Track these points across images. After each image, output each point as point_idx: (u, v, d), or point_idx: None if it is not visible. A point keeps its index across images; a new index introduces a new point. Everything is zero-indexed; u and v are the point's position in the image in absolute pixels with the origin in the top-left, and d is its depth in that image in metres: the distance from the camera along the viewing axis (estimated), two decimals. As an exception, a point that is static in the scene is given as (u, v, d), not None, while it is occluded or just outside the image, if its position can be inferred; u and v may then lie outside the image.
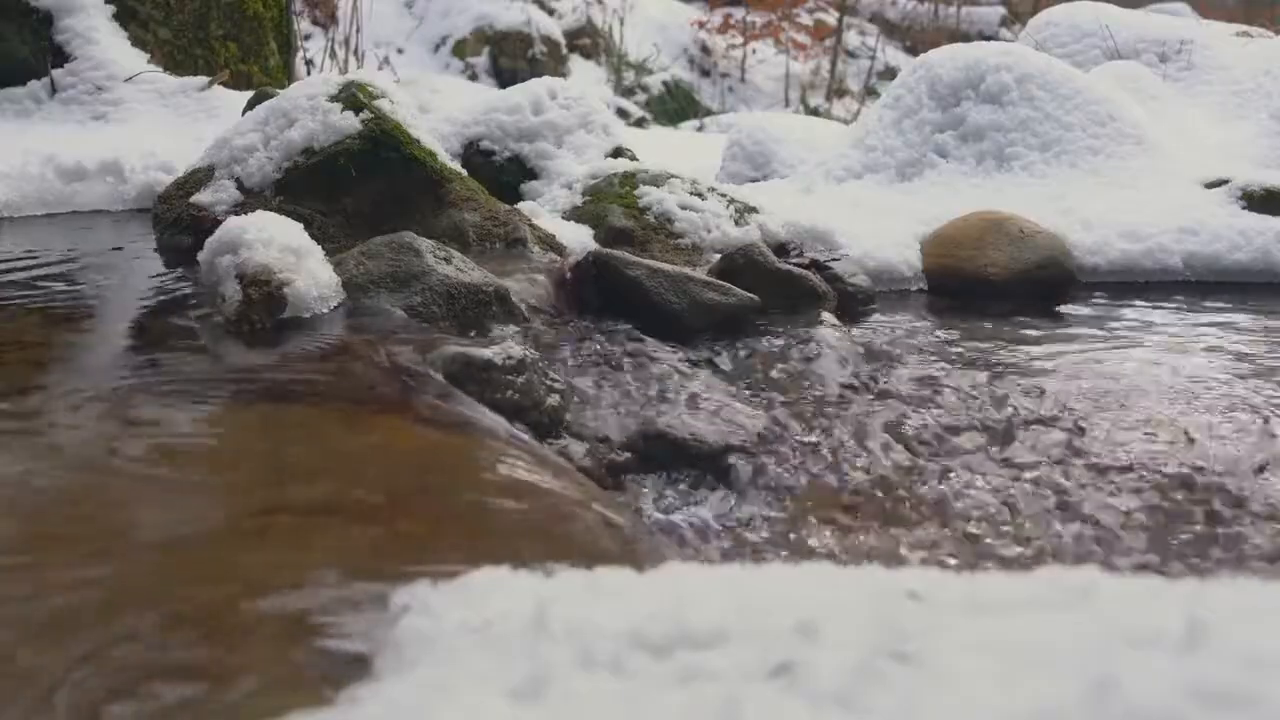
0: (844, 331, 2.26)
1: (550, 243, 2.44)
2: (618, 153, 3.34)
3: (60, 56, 3.76)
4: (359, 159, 2.37)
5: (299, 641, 0.82)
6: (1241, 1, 11.59)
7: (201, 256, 1.88)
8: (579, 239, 2.54)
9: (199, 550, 1.00)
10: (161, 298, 2.04)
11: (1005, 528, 1.47)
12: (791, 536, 1.43)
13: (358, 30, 7.46)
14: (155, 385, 1.51)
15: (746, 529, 1.45)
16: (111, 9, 3.92)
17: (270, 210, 2.09)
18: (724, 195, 2.92)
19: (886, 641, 0.62)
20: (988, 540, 1.43)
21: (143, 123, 3.61)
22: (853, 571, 0.79)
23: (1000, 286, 2.85)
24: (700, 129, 9.26)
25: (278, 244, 1.80)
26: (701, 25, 12.39)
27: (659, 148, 4.27)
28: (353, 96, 2.45)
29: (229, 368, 1.59)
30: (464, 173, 2.62)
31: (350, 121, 2.40)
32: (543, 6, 11.23)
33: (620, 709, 0.58)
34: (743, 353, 2.06)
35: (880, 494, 1.56)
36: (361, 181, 2.38)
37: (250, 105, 2.94)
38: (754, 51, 12.41)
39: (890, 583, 0.73)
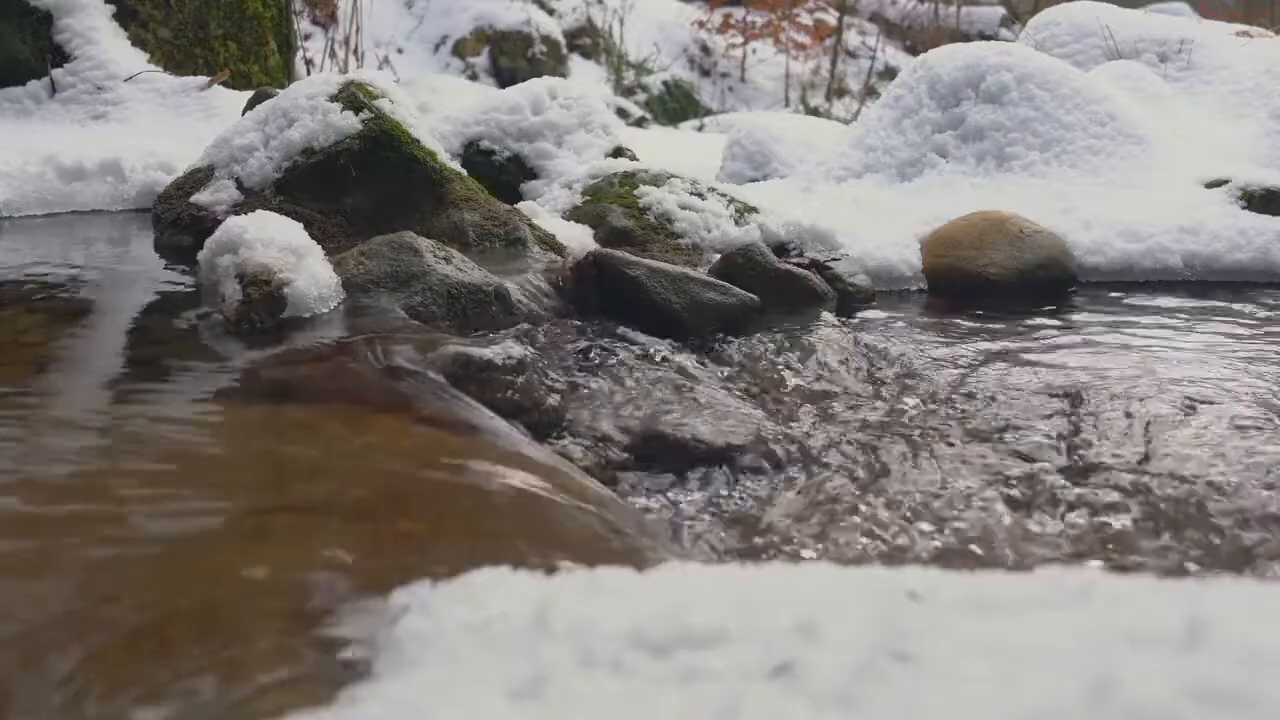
0: (844, 331, 2.26)
1: (550, 242, 2.44)
2: (618, 152, 3.34)
3: (60, 56, 3.76)
4: (359, 159, 2.37)
5: (299, 641, 0.82)
6: (1241, 1, 11.59)
7: (201, 256, 1.88)
8: (579, 239, 2.54)
9: (198, 550, 1.00)
10: (161, 298, 2.04)
11: (1004, 526, 1.47)
12: (792, 536, 1.42)
13: (358, 30, 7.46)
14: (155, 385, 1.51)
15: (747, 528, 1.45)
16: (111, 9, 3.92)
17: (270, 210, 2.09)
18: (724, 195, 2.92)
19: (886, 641, 0.62)
20: (986, 538, 1.43)
21: (143, 122, 3.61)
22: (853, 571, 0.79)
23: (1000, 286, 2.85)
24: (700, 129, 9.25)
25: (278, 244, 1.80)
26: (701, 25, 12.38)
27: (659, 148, 4.27)
28: (353, 96, 2.45)
29: (229, 367, 1.59)
30: (464, 173, 2.62)
31: (350, 121, 2.40)
32: (543, 6, 11.22)
33: (620, 709, 0.58)
34: (743, 352, 2.06)
35: (881, 493, 1.56)
36: (361, 181, 2.38)
37: (250, 105, 2.94)
38: (754, 51, 12.41)
39: (890, 583, 0.73)
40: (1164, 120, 4.01)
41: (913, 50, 12.07)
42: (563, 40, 10.97)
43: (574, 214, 2.81)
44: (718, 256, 2.53)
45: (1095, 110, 3.66)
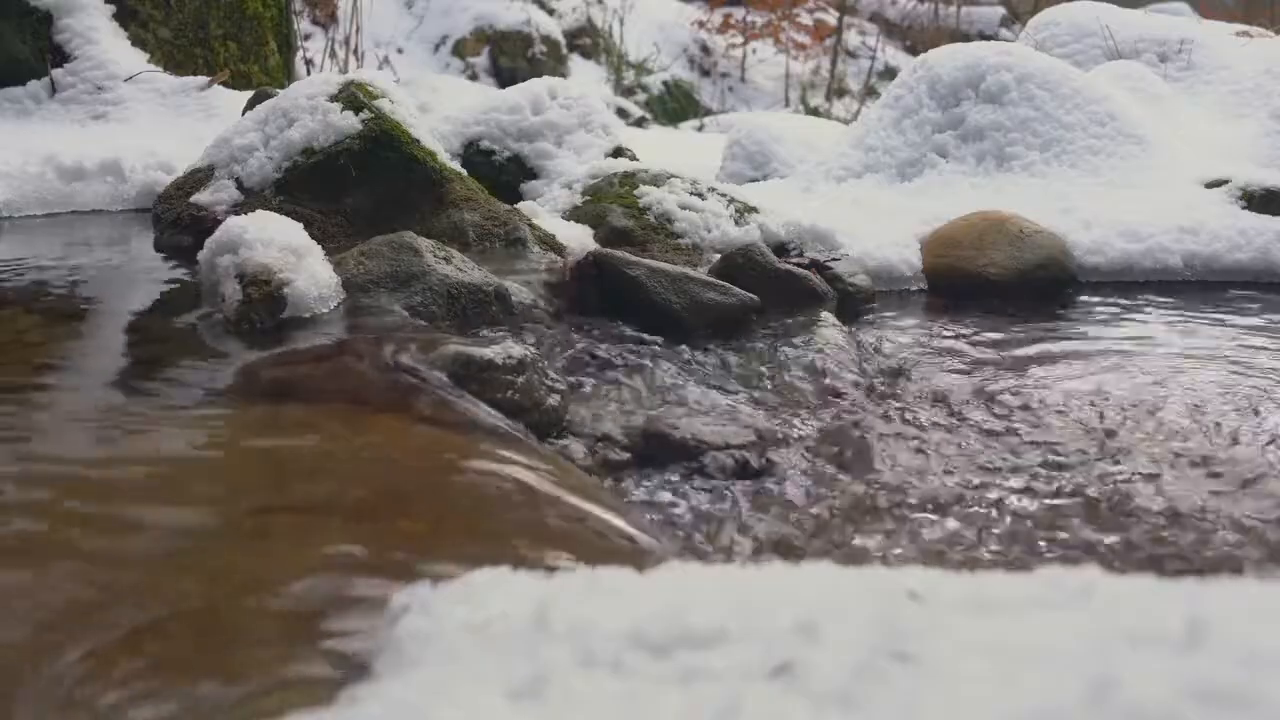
0: (844, 331, 2.26)
1: (550, 242, 2.44)
2: (618, 152, 3.34)
3: (60, 56, 3.76)
4: (359, 159, 2.38)
5: (299, 641, 0.82)
6: (1241, 1, 11.58)
7: (201, 256, 1.88)
8: (579, 239, 2.54)
9: (199, 549, 1.00)
10: (162, 298, 2.04)
11: (1001, 527, 1.47)
12: (792, 536, 1.43)
13: (358, 30, 7.46)
14: (156, 384, 1.51)
15: (747, 528, 1.45)
16: (111, 9, 3.92)
17: (270, 210, 2.09)
18: (724, 195, 2.92)
19: (886, 641, 0.62)
20: (984, 539, 1.43)
21: (143, 122, 3.61)
22: (853, 571, 0.79)
23: (1000, 286, 2.85)
24: (700, 129, 9.25)
25: (278, 244, 1.80)
26: (701, 25, 12.38)
27: (659, 148, 4.27)
28: (353, 96, 2.45)
29: (229, 367, 1.59)
30: (464, 173, 2.63)
31: (350, 121, 2.40)
32: (543, 6, 11.22)
33: (620, 709, 0.58)
34: (743, 353, 2.06)
35: (880, 493, 1.56)
36: (361, 181, 2.38)
37: (250, 105, 2.94)
38: (754, 51, 12.41)
39: (890, 583, 0.73)
40: (1164, 120, 4.01)
41: (913, 50, 12.06)
42: (563, 40, 10.97)
43: (574, 214, 2.81)
44: (718, 256, 2.53)
45: (1095, 110, 3.65)
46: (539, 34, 10.51)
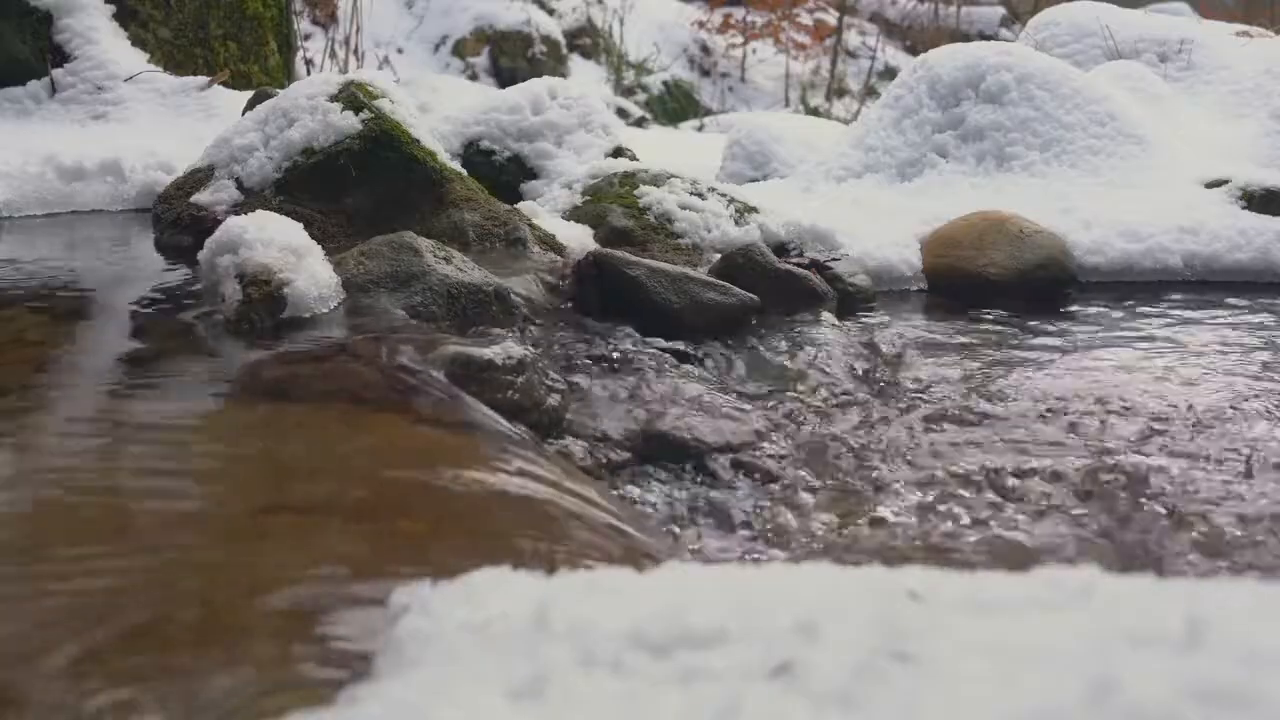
0: (844, 331, 2.26)
1: (550, 242, 2.44)
2: (618, 152, 3.34)
3: (60, 56, 3.76)
4: (359, 159, 2.38)
5: (299, 641, 0.82)
6: (1241, 1, 11.58)
7: (201, 256, 1.88)
8: (579, 239, 2.54)
9: (198, 550, 1.00)
10: (161, 298, 2.04)
11: (999, 527, 1.47)
12: (792, 535, 1.43)
13: (358, 30, 7.46)
14: (156, 384, 1.51)
15: (746, 528, 1.45)
16: (111, 9, 3.92)
17: (270, 210, 2.09)
18: (724, 195, 2.92)
19: (886, 641, 0.62)
20: (983, 539, 1.43)
21: (143, 122, 3.61)
22: (853, 571, 0.79)
23: (1000, 286, 2.85)
24: (700, 129, 9.24)
25: (278, 244, 1.80)
26: (701, 25, 12.38)
27: (659, 148, 4.26)
28: (353, 96, 2.45)
29: (229, 367, 1.59)
30: (464, 173, 2.63)
31: (350, 121, 2.40)
32: (543, 6, 11.22)
33: (620, 709, 0.58)
34: (743, 353, 2.06)
35: (879, 493, 1.56)
36: (361, 181, 2.38)
37: (250, 105, 2.94)
38: (754, 51, 12.40)
39: (890, 583, 0.74)
40: (1164, 120, 4.01)
41: (913, 50, 12.06)
42: (563, 40, 10.97)
43: (574, 214, 2.81)
44: (718, 256, 2.53)
45: (1095, 110, 3.65)
46: (539, 34, 10.51)
